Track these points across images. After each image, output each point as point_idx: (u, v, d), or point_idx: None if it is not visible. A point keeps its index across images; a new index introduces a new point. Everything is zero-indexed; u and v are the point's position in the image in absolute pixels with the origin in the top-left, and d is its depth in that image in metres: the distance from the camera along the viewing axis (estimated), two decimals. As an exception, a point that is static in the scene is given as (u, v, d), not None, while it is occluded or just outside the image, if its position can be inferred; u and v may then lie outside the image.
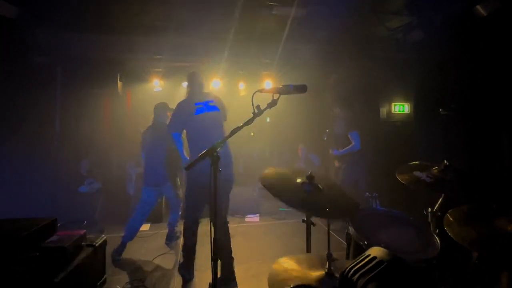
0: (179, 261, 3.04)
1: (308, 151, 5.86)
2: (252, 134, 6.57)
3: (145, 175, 3.68)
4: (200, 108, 2.85)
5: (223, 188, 2.63)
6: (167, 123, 3.40)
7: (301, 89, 1.53)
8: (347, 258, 1.75)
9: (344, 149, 4.20)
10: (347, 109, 4.35)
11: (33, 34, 3.87)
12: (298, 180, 1.64)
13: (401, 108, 4.75)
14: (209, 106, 2.88)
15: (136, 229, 3.47)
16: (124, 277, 2.90)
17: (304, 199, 1.54)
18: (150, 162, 3.66)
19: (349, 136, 4.16)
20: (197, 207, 2.87)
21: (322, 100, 5.44)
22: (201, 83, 3.01)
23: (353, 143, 4.13)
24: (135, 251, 3.52)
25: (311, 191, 1.57)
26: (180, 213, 3.88)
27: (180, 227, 4.26)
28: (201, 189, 2.60)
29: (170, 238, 3.80)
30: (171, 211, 3.89)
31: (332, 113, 4.54)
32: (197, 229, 2.89)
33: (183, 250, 2.88)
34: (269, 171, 1.74)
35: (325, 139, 5.35)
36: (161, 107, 3.79)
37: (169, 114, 3.63)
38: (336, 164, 4.46)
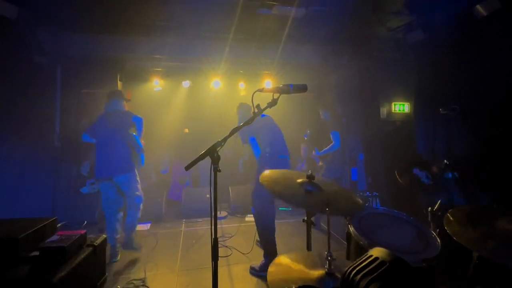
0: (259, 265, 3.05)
1: (309, 150, 5.87)
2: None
3: (98, 168, 3.30)
4: None
5: None
6: (124, 110, 3.47)
7: (301, 88, 1.54)
8: (347, 258, 1.75)
9: (324, 149, 4.31)
10: (331, 111, 4.43)
11: (33, 34, 3.87)
12: (299, 180, 1.64)
13: (401, 107, 4.75)
14: None
15: (114, 230, 3.30)
16: (124, 277, 2.90)
17: (305, 197, 1.54)
18: (106, 153, 3.29)
19: (330, 135, 4.26)
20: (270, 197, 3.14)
21: (322, 100, 5.46)
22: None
23: (333, 143, 4.22)
24: (135, 251, 3.52)
25: (311, 190, 1.57)
26: (139, 215, 3.47)
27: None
28: None
29: (127, 245, 3.38)
30: (128, 212, 3.43)
31: (317, 114, 4.60)
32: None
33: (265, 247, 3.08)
34: (268, 173, 1.73)
35: (306, 138, 5.40)
36: (118, 94, 3.51)
37: (124, 103, 3.51)
38: (320, 163, 4.56)
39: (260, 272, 2.99)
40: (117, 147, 3.32)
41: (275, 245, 3.07)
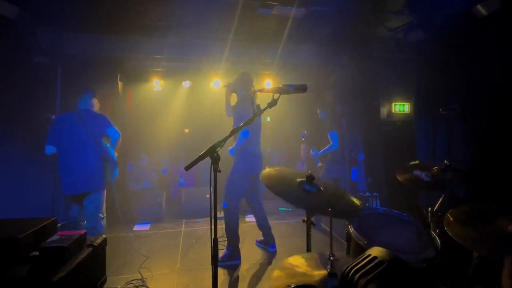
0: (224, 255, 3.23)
1: (308, 151, 5.89)
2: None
3: (67, 181, 2.76)
4: None
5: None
6: (98, 113, 3.07)
7: (301, 89, 1.54)
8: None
9: (323, 149, 4.32)
10: (329, 110, 4.45)
11: (33, 34, 3.86)
12: (298, 180, 1.65)
13: (401, 107, 4.76)
14: None
15: (104, 229, 2.99)
16: (124, 277, 2.90)
17: (305, 198, 1.55)
18: (76, 160, 2.76)
19: (328, 135, 4.27)
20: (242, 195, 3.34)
21: (321, 99, 5.47)
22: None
23: (331, 143, 4.23)
24: (135, 251, 3.52)
25: (311, 191, 1.58)
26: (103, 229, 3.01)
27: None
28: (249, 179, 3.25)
29: None
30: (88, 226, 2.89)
31: (315, 114, 4.61)
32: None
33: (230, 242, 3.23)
34: (268, 171, 1.76)
35: (303, 139, 5.40)
36: (87, 92, 3.04)
37: (95, 101, 3.13)
38: (320, 164, 4.57)
39: (222, 262, 3.14)
40: (89, 154, 2.75)
41: (238, 240, 3.27)
